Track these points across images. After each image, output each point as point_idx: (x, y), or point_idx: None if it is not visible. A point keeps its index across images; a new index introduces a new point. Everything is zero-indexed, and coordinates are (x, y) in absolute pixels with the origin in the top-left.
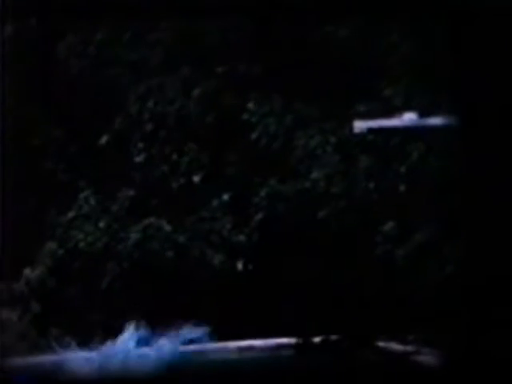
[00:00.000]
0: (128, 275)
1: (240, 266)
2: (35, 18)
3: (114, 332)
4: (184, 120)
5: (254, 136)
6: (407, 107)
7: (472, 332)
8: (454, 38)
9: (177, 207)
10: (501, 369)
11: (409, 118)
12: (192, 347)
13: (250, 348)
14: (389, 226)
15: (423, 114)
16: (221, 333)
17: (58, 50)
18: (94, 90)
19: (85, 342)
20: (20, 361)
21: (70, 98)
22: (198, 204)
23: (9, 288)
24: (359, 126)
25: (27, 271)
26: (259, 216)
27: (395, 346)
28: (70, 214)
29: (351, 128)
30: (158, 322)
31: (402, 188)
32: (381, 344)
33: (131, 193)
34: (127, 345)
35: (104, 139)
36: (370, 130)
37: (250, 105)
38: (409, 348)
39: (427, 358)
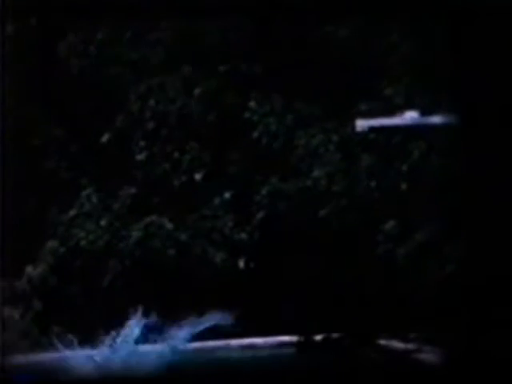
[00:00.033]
0: (130, 273)
1: (241, 264)
2: (35, 17)
3: (116, 330)
4: (185, 118)
5: (255, 134)
6: (408, 106)
7: (473, 330)
8: (454, 37)
9: (178, 205)
10: (501, 367)
11: (410, 116)
12: (193, 345)
13: (252, 346)
14: (390, 224)
15: (424, 112)
16: (222, 330)
17: (59, 50)
18: (95, 89)
19: (86, 340)
20: (22, 359)
21: (71, 97)
22: (199, 202)
23: (11, 286)
24: (361, 124)
25: (29, 269)
26: (261, 214)
27: (396, 344)
28: (72, 212)
29: (353, 127)
30: (159, 320)
31: (404, 187)
32: (382, 342)
33: (133, 191)
34: (133, 331)
35: (105, 137)
36: (372, 129)
37: (252, 104)
38: (410, 346)
39: (428, 356)
